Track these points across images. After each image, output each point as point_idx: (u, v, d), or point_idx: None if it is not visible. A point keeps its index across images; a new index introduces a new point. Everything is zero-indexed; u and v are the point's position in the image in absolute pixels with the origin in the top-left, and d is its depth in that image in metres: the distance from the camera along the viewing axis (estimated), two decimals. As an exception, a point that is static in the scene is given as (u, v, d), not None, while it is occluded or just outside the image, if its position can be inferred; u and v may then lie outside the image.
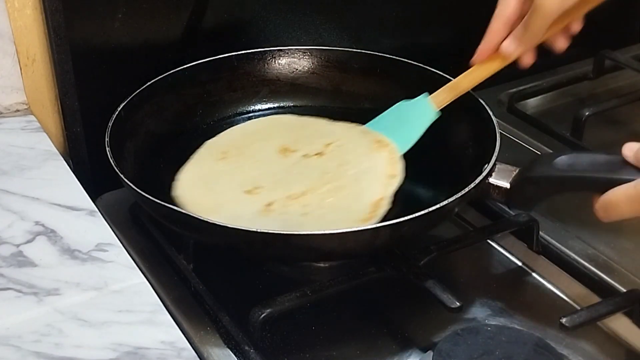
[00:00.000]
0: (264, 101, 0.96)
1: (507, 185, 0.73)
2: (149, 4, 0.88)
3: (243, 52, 0.94)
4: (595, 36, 0.94)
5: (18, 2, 0.84)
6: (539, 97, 1.08)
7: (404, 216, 0.67)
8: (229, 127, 0.92)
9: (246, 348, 0.66)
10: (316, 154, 0.86)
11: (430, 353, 0.65)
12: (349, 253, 0.74)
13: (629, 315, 0.71)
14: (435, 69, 0.89)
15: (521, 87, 1.07)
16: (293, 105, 0.96)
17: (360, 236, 0.68)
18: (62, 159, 0.83)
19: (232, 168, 0.84)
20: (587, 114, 0.95)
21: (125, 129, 0.83)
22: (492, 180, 0.73)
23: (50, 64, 0.87)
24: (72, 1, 0.82)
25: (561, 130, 0.97)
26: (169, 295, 0.73)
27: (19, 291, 0.65)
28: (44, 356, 0.60)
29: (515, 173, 0.73)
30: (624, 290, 0.73)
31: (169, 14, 0.90)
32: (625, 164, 0.66)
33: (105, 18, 0.86)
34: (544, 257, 0.79)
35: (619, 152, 0.66)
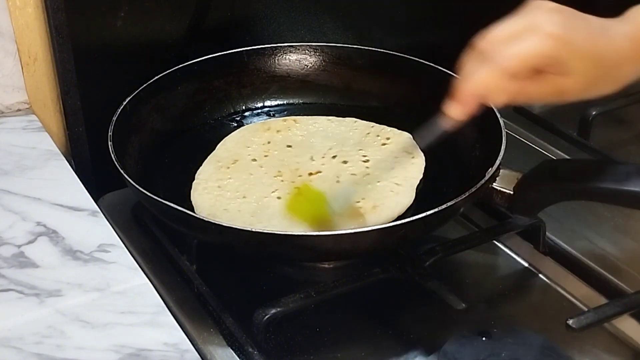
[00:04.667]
0: (274, 97, 0.95)
1: (510, 191, 0.72)
2: (151, 2, 0.87)
3: (254, 47, 0.93)
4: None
5: (20, 1, 0.84)
6: (546, 96, 1.07)
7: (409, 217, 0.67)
8: (237, 124, 0.92)
9: (250, 349, 0.66)
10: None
11: (435, 355, 0.65)
12: (351, 253, 0.73)
13: (636, 316, 0.71)
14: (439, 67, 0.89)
15: (527, 86, 1.06)
16: (302, 102, 0.95)
17: (362, 237, 0.67)
18: (63, 159, 0.83)
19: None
20: (594, 113, 0.95)
21: (131, 123, 0.82)
22: (495, 185, 0.73)
23: (52, 63, 0.87)
24: (74, -1, 0.82)
25: (568, 130, 0.97)
26: (172, 296, 0.73)
27: (21, 292, 0.65)
28: (45, 358, 0.59)
29: (519, 179, 0.73)
30: (632, 292, 0.72)
31: (172, 12, 0.89)
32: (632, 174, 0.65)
33: (107, 16, 0.85)
34: (550, 258, 0.78)
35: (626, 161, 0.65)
